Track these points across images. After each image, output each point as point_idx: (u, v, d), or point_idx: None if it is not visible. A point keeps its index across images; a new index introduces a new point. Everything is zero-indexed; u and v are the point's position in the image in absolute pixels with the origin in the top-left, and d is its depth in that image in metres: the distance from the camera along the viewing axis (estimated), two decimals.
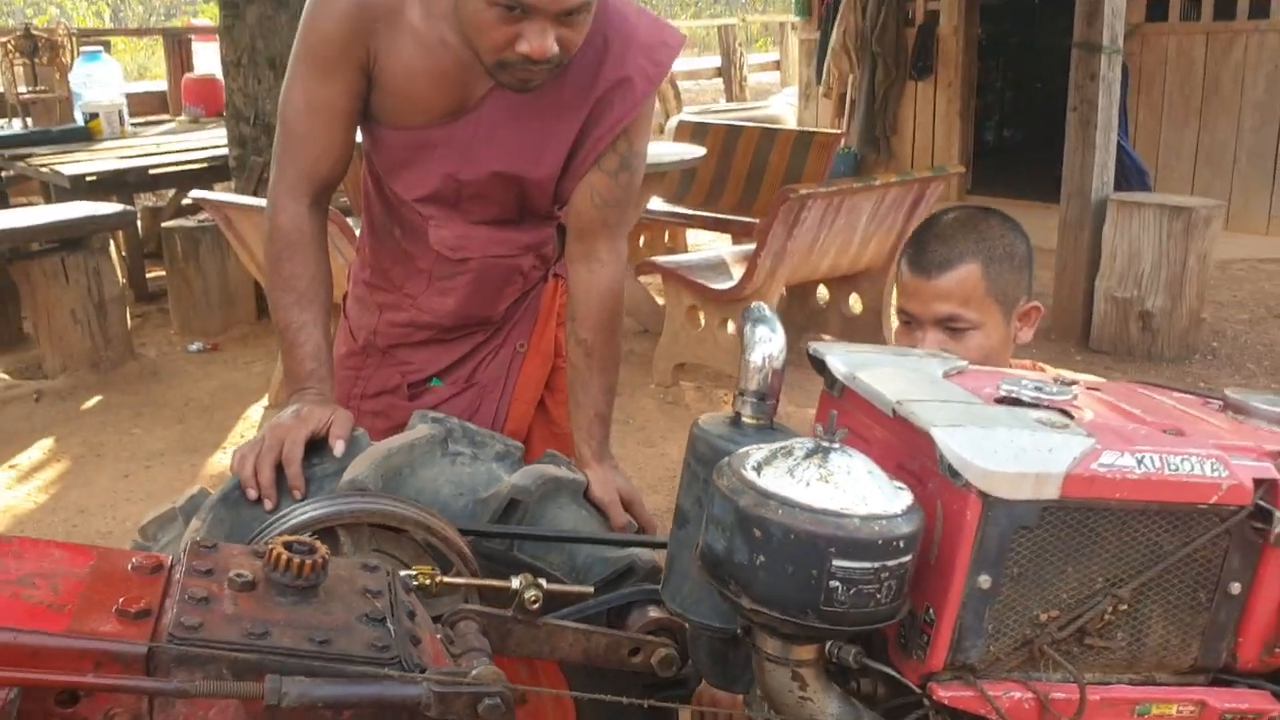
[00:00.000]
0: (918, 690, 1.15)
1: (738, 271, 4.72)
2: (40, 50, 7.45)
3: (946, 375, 1.31)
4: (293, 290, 1.72)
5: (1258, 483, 1.16)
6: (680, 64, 14.21)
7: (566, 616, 1.47)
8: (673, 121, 6.97)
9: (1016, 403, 1.23)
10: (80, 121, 7.47)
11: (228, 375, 5.31)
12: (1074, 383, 1.35)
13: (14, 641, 0.97)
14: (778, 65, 16.11)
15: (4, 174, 6.98)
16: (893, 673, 1.16)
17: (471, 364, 1.98)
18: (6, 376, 5.27)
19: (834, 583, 1.02)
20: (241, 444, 1.59)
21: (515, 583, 1.37)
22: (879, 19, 8.80)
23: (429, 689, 1.03)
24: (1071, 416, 1.21)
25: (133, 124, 7.89)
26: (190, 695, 0.98)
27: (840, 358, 1.32)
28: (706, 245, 6.76)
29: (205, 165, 6.68)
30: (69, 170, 6.18)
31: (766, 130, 6.56)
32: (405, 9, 1.69)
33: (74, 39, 8.05)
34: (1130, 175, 6.19)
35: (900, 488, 1.09)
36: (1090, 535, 1.13)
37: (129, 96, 8.19)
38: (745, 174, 6.29)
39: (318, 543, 1.13)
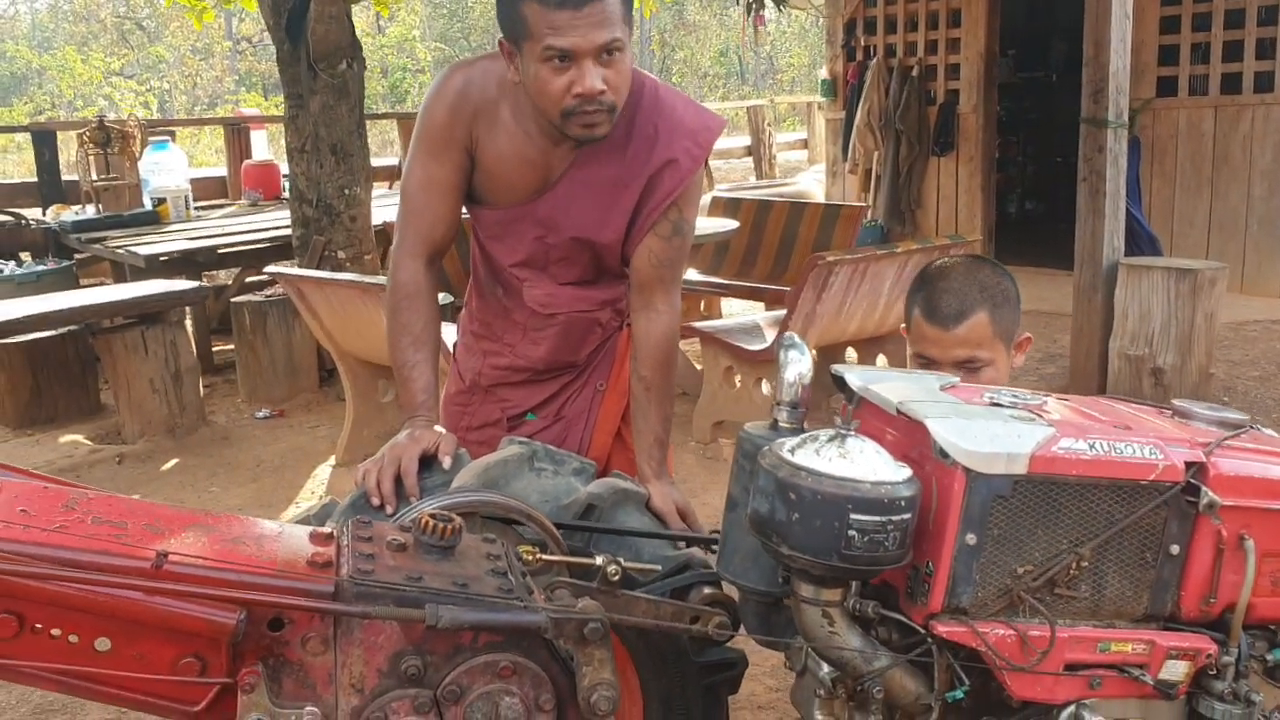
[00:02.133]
0: (921, 630, 1.46)
1: (770, 334, 5.05)
2: (113, 140, 7.97)
3: (942, 388, 1.63)
4: (409, 333, 2.07)
5: (1188, 465, 1.48)
6: None
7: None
8: (706, 198, 7.33)
9: (997, 406, 1.55)
10: (148, 206, 7.91)
11: (294, 439, 5.65)
12: (1049, 395, 1.68)
13: (240, 579, 1.31)
14: (805, 144, 16.60)
15: (76, 256, 7.42)
16: (903, 618, 1.48)
17: (560, 401, 2.31)
18: (89, 442, 5.66)
19: (852, 532, 1.34)
20: (364, 461, 1.93)
21: (599, 560, 1.69)
22: (902, 99, 9.21)
23: (547, 616, 1.35)
24: (1041, 415, 1.53)
25: (195, 208, 8.38)
26: (371, 617, 1.31)
27: (857, 375, 1.65)
28: (741, 313, 7.07)
29: (268, 245, 7.09)
30: (144, 251, 6.61)
31: (795, 204, 6.90)
32: (500, 107, 2.06)
33: (143, 129, 8.58)
34: (1142, 242, 6.48)
35: (902, 466, 1.41)
36: (1055, 504, 1.45)
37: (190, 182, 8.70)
38: (776, 245, 6.61)
39: (453, 514, 1.46)
